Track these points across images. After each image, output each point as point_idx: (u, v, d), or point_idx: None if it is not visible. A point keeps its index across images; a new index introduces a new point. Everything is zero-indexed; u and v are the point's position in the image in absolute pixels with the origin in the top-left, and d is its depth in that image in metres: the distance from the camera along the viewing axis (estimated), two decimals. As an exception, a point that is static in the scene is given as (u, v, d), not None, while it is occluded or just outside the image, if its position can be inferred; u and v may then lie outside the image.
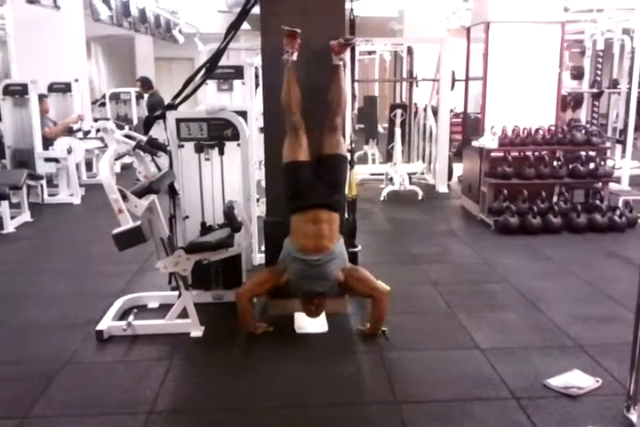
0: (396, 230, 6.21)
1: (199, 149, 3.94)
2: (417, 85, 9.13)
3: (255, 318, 3.64)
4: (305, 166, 3.52)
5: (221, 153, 3.97)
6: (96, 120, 9.82)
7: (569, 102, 9.06)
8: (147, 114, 9.43)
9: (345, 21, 3.78)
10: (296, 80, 3.50)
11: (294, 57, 3.48)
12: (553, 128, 6.24)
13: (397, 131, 8.13)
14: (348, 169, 3.92)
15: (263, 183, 4.06)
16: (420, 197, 7.47)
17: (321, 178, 3.51)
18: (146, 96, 10.15)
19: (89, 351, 3.42)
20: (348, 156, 3.91)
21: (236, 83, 6.56)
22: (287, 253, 3.47)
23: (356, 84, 4.42)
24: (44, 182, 7.40)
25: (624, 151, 7.93)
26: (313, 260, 3.36)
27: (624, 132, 8.06)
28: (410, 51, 9.94)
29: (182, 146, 3.93)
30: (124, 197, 3.19)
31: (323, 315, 3.68)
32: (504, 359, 3.25)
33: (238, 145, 3.97)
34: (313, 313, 3.49)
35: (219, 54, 3.81)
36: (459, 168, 7.99)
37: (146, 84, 10.04)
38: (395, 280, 4.28)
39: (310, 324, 3.66)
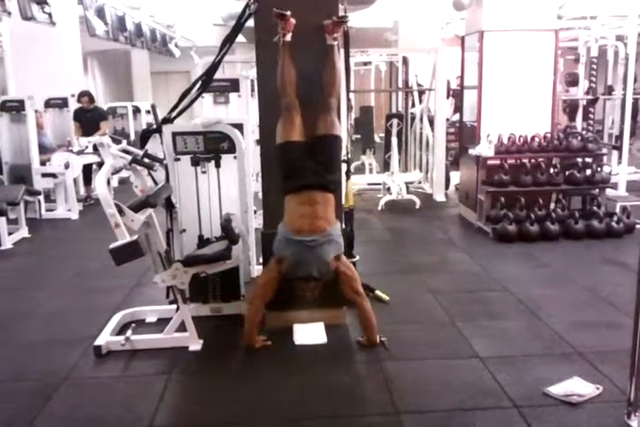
0: (394, 240, 6.21)
1: (196, 162, 3.95)
2: (412, 95, 9.15)
3: (256, 330, 3.61)
4: (298, 146, 3.45)
5: (218, 166, 3.98)
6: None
7: (564, 109, 9.08)
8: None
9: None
10: (291, 61, 3.48)
11: (288, 38, 3.46)
12: (549, 135, 6.26)
13: (394, 140, 8.13)
14: (345, 163, 3.88)
15: (260, 195, 4.06)
16: (417, 206, 7.48)
17: (315, 158, 3.44)
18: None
19: (87, 367, 3.41)
20: (344, 154, 3.86)
21: (232, 95, 6.61)
22: (282, 237, 3.38)
23: (351, 95, 4.42)
24: (41, 198, 7.39)
25: (620, 157, 7.95)
26: (308, 240, 3.28)
27: (620, 138, 8.09)
28: (405, 61, 9.99)
29: (179, 159, 3.94)
30: (121, 212, 3.20)
31: (322, 327, 3.68)
32: (504, 368, 3.24)
33: (235, 157, 3.98)
34: (309, 299, 3.42)
35: (214, 67, 3.82)
36: (456, 177, 8.01)
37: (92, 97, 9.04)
38: (393, 289, 4.28)
39: (309, 335, 3.66)
